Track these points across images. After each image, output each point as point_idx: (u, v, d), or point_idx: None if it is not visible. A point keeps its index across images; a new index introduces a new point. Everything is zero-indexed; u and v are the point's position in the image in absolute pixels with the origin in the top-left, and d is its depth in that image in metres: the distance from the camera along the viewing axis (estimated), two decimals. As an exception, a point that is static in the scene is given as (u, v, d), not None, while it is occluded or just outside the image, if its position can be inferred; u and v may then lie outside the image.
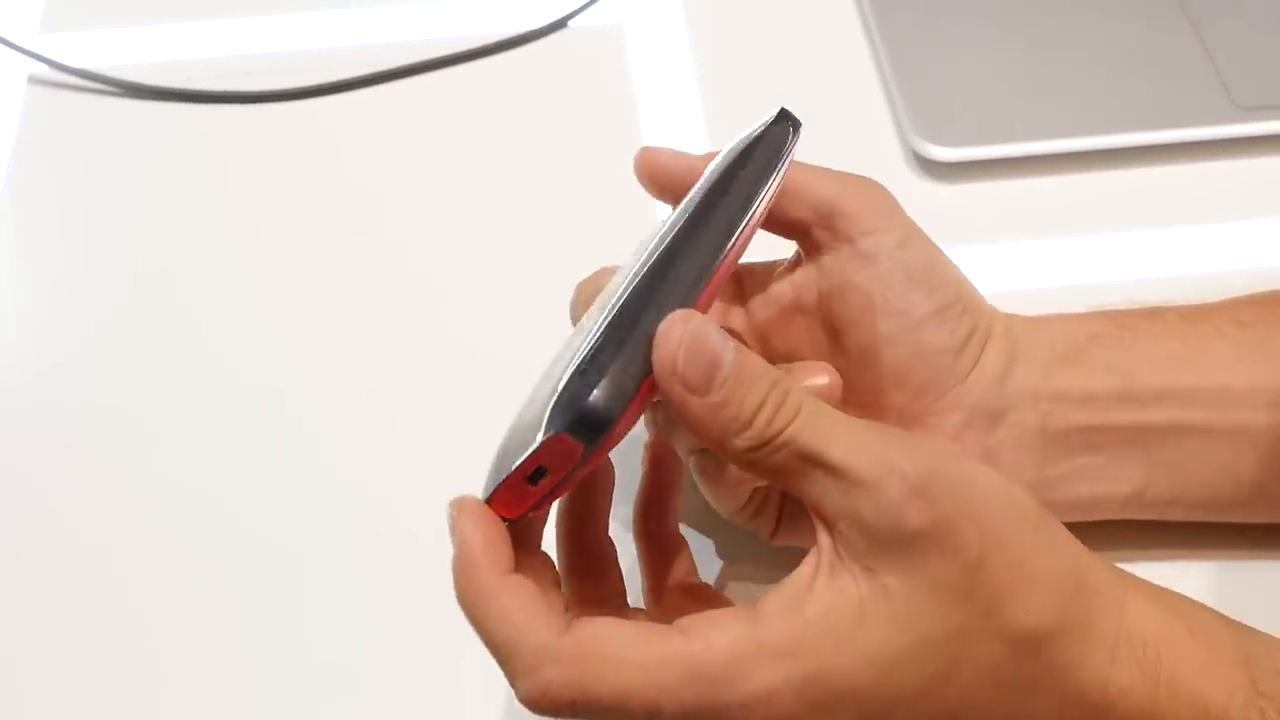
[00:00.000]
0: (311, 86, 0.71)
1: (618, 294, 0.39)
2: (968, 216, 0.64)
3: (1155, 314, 0.51)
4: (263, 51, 0.73)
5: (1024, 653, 0.38)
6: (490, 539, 0.39)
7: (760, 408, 0.38)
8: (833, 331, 0.48)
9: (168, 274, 0.64)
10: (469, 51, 0.72)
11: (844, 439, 0.38)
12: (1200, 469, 0.49)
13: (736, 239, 0.41)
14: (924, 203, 0.64)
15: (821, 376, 0.45)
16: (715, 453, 0.39)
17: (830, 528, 0.38)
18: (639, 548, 0.45)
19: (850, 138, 0.68)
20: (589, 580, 0.44)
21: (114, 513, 0.56)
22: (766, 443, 0.38)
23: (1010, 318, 0.50)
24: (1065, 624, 0.39)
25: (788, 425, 0.38)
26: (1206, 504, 0.50)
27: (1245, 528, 0.51)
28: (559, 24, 0.74)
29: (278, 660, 0.51)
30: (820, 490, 0.38)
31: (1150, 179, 0.66)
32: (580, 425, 0.37)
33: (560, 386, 0.37)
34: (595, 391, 0.37)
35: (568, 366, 0.38)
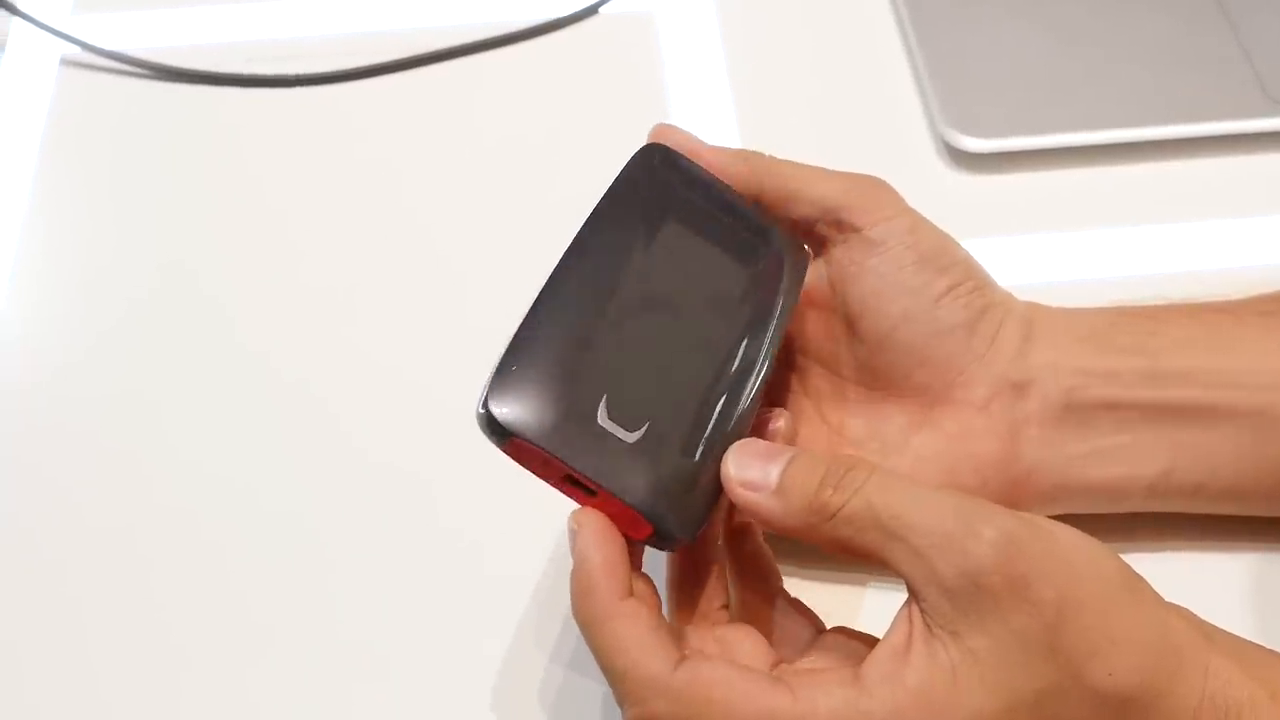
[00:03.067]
0: (341, 71, 0.71)
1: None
2: (998, 208, 0.64)
3: (1177, 307, 0.51)
4: (293, 36, 0.73)
5: (1111, 714, 0.38)
6: (610, 560, 0.40)
7: (823, 480, 0.39)
8: (847, 320, 0.48)
9: (195, 257, 0.64)
10: (498, 38, 0.72)
11: (916, 502, 0.39)
12: (1225, 453, 0.48)
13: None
14: (954, 193, 0.64)
15: (777, 421, 0.45)
16: (800, 540, 0.40)
17: (916, 595, 0.39)
18: (729, 563, 0.46)
19: (881, 128, 0.68)
20: (696, 591, 0.44)
21: (139, 498, 0.56)
22: (836, 512, 0.39)
23: (1029, 304, 0.50)
24: (1148, 688, 0.38)
25: (856, 493, 0.39)
26: (1233, 491, 0.49)
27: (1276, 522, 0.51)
28: (590, 10, 0.74)
29: (306, 645, 0.52)
30: (901, 558, 0.38)
31: (1183, 172, 0.65)
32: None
33: None
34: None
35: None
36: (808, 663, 0.42)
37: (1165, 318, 0.50)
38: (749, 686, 0.38)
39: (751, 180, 0.48)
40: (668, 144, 0.48)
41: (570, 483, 0.41)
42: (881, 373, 0.48)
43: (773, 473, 0.40)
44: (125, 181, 0.67)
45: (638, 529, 0.41)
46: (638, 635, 0.39)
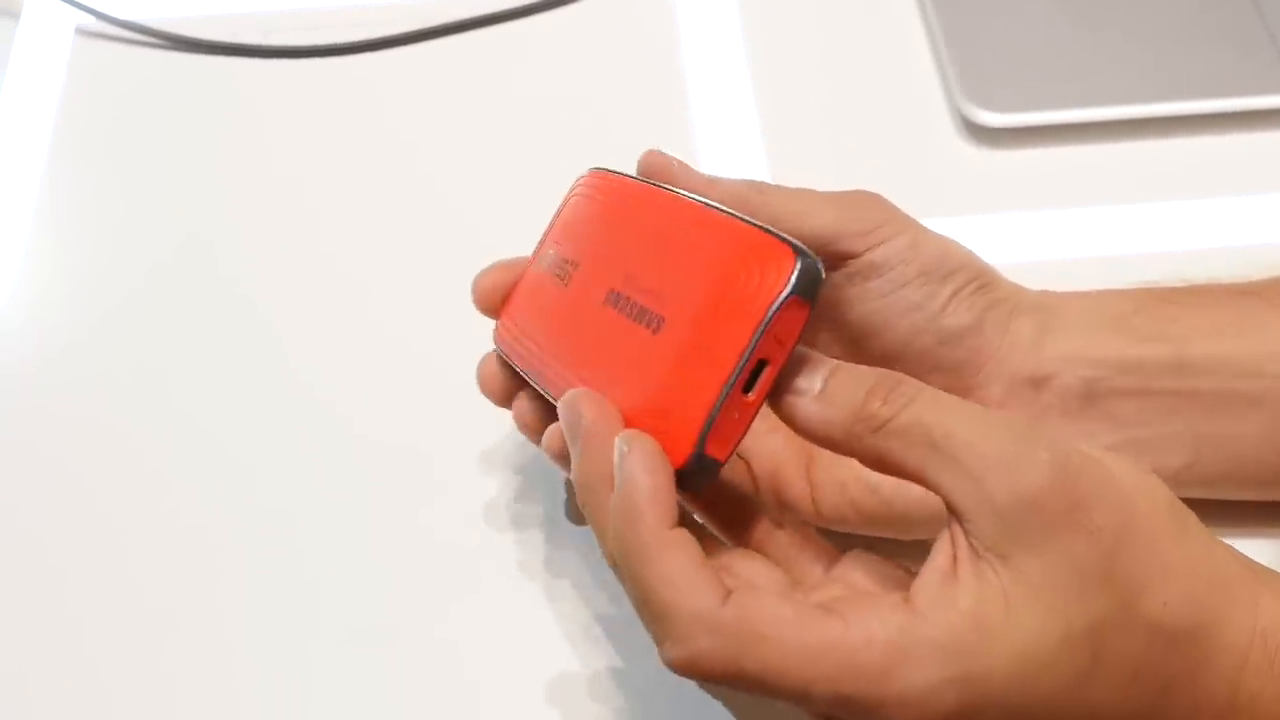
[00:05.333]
0: (357, 43, 0.71)
1: None
2: (1015, 183, 0.64)
3: (1202, 289, 0.50)
4: (309, 7, 0.73)
5: (1162, 648, 0.37)
6: (658, 486, 0.37)
7: (871, 393, 0.38)
8: (852, 341, 0.47)
9: (209, 229, 0.64)
10: (515, 9, 0.72)
11: (970, 420, 0.37)
12: (1251, 441, 0.48)
13: None
14: (971, 168, 0.64)
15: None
16: (841, 453, 0.39)
17: (961, 517, 0.37)
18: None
19: (899, 102, 0.67)
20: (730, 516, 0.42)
21: (150, 473, 0.56)
22: (885, 423, 0.37)
23: (1042, 292, 0.49)
24: (1202, 620, 0.37)
25: (907, 406, 0.37)
26: (1258, 479, 0.49)
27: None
28: (606, -18, 0.73)
29: (314, 629, 0.52)
30: (948, 476, 0.37)
31: (1203, 148, 0.65)
32: (808, 275, 0.37)
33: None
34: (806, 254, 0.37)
35: None
36: (831, 592, 0.40)
37: (1188, 301, 0.49)
38: (801, 618, 0.36)
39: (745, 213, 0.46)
40: (658, 170, 0.46)
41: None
42: None
43: (816, 379, 0.38)
44: (140, 153, 0.67)
45: (796, 322, 0.37)
46: (685, 568, 0.37)
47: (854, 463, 0.39)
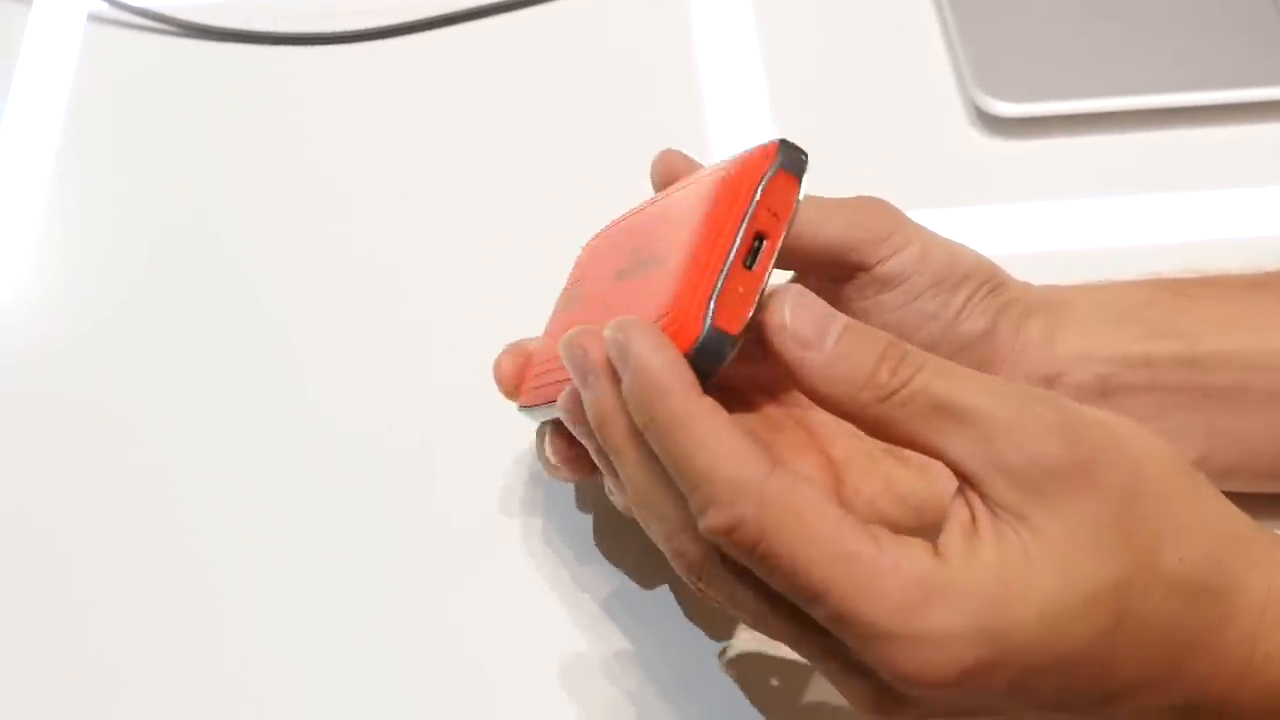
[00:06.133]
0: (368, 30, 0.71)
1: None
2: (1028, 173, 0.63)
3: (1213, 281, 0.50)
4: (321, -7, 0.73)
5: (1182, 605, 0.37)
6: (672, 359, 0.37)
7: (882, 358, 0.37)
8: None
9: (220, 217, 0.64)
10: (526, -3, 0.72)
11: (977, 386, 0.37)
12: (1264, 435, 0.48)
13: None
14: (984, 158, 0.64)
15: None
16: (841, 417, 0.38)
17: (973, 482, 0.37)
18: None
19: (911, 91, 0.67)
20: None
21: (156, 462, 0.56)
22: (893, 393, 0.37)
23: (1049, 287, 0.49)
24: (1220, 577, 0.37)
25: (914, 375, 0.37)
26: (1272, 472, 0.49)
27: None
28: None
29: (320, 616, 0.52)
30: (958, 442, 0.37)
31: (1216, 139, 0.64)
32: (792, 154, 0.39)
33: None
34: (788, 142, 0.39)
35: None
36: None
37: (1199, 294, 0.49)
38: (840, 520, 0.36)
39: None
40: (669, 170, 0.46)
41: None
42: None
43: (829, 335, 0.37)
44: (151, 139, 0.67)
45: (789, 194, 0.38)
46: (724, 433, 0.36)
47: (882, 476, 0.39)
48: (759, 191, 0.38)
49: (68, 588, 0.53)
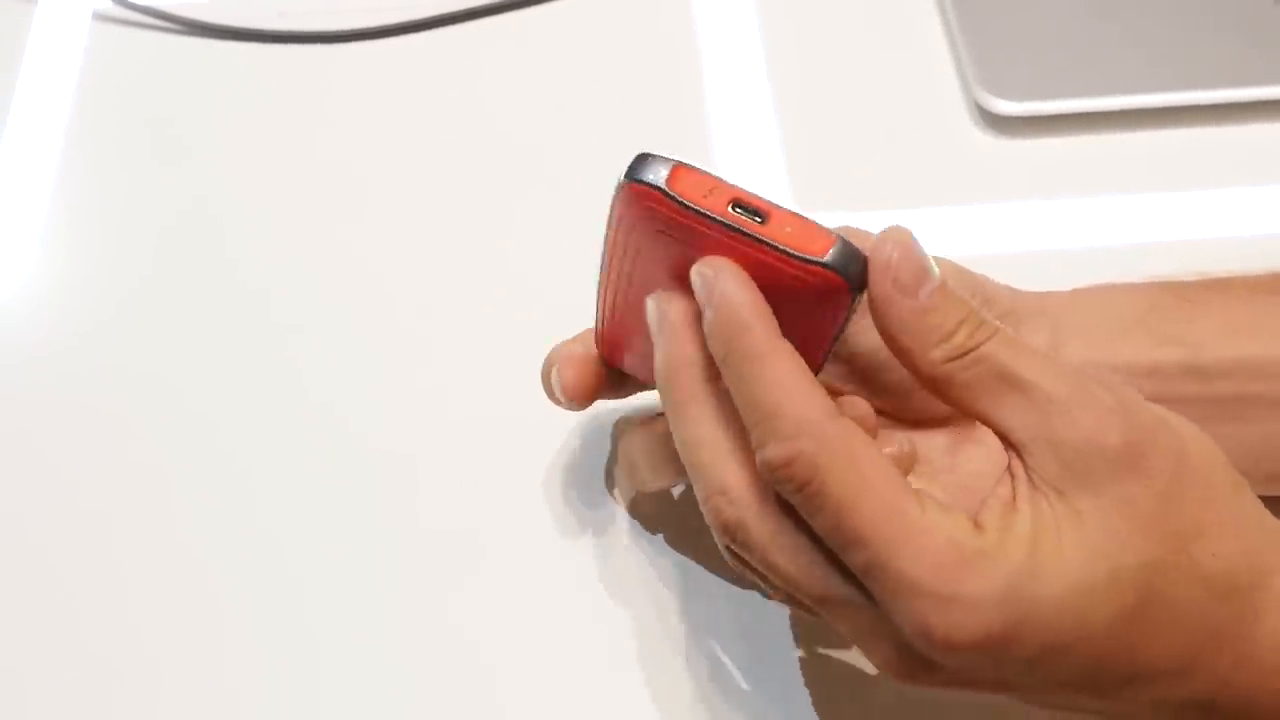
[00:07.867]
0: (374, 28, 0.71)
1: None
2: (1029, 172, 0.63)
3: (1218, 284, 0.50)
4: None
5: (1213, 597, 0.38)
6: (756, 299, 0.38)
7: (963, 321, 0.38)
8: (860, 375, 0.47)
9: (225, 215, 0.64)
10: (530, -5, 0.72)
11: (1039, 360, 0.38)
12: (1271, 440, 0.48)
13: None
14: (986, 156, 0.64)
15: (862, 406, 0.44)
16: (905, 365, 0.39)
17: (1021, 452, 0.38)
18: None
19: (914, 89, 0.67)
20: None
21: (159, 461, 0.56)
22: (964, 354, 0.38)
23: (1039, 295, 0.49)
24: (1252, 575, 0.38)
25: (986, 341, 0.38)
26: (1271, 477, 0.48)
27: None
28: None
29: (321, 618, 0.52)
30: (1012, 411, 0.38)
31: (1218, 138, 0.65)
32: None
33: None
34: None
35: None
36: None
37: (1203, 299, 0.49)
38: (892, 474, 0.37)
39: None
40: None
41: (738, 208, 0.38)
42: (913, 410, 0.47)
43: (925, 287, 0.38)
44: (156, 138, 0.67)
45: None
46: (798, 375, 0.38)
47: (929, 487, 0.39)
48: None
49: (68, 587, 0.53)
